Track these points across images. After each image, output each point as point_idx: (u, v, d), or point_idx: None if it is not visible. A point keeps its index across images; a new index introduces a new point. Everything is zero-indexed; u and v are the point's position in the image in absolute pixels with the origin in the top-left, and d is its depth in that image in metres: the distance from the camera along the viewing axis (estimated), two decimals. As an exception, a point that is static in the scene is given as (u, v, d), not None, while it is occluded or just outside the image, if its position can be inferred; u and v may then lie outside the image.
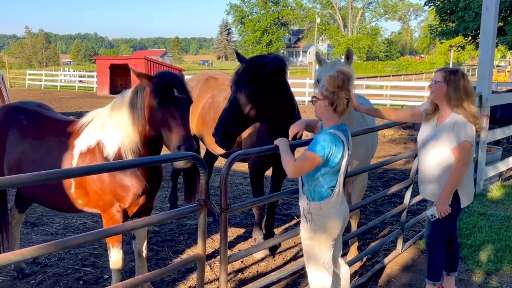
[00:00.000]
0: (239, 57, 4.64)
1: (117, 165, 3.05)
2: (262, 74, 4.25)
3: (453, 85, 3.74)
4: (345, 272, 3.71)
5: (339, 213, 3.40)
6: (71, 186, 3.80)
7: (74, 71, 45.39)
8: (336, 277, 3.67)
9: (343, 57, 4.39)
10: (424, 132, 4.04)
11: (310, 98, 24.49)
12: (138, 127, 3.57)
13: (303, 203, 3.46)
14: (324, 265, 3.45)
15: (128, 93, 3.66)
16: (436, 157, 3.87)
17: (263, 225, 5.60)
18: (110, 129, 3.69)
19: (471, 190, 4.03)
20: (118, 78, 32.74)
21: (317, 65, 4.81)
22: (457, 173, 3.73)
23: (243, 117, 4.29)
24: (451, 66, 42.00)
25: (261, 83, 4.26)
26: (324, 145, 3.17)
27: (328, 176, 3.29)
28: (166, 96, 3.35)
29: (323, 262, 3.44)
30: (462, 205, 3.93)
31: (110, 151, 3.67)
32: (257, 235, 5.50)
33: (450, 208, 3.80)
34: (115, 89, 32.03)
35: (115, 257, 3.85)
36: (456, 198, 3.87)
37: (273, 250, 5.49)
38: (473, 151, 3.84)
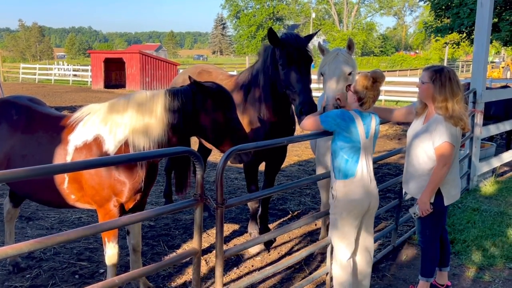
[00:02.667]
0: (274, 35, 4.61)
1: (117, 160, 3.06)
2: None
3: (438, 85, 3.74)
4: (368, 253, 3.98)
5: (363, 193, 3.67)
6: (64, 181, 3.76)
7: (68, 65, 45.11)
8: (363, 253, 3.95)
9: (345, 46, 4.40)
10: (411, 129, 4.07)
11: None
12: (169, 130, 3.60)
13: (331, 182, 3.79)
14: (344, 240, 3.74)
15: (158, 97, 3.60)
16: (418, 155, 3.90)
17: (258, 219, 5.63)
18: (116, 126, 3.64)
19: (455, 188, 4.03)
20: (113, 72, 32.59)
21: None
22: (438, 173, 3.75)
23: None
24: (445, 62, 42.12)
25: None
26: (330, 114, 3.70)
27: (348, 150, 3.62)
28: (233, 111, 3.76)
29: (343, 237, 3.73)
30: (445, 203, 3.94)
31: (110, 146, 3.64)
32: (253, 230, 5.52)
33: (431, 207, 3.84)
34: (109, 83, 31.90)
35: (111, 252, 3.85)
36: (439, 196, 3.89)
37: (268, 245, 5.51)
38: (456, 151, 3.88)
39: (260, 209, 5.68)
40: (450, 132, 3.71)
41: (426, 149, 3.82)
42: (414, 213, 3.94)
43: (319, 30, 5.14)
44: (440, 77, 3.74)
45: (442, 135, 3.70)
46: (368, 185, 3.70)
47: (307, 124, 3.91)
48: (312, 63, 4.69)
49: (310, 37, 4.79)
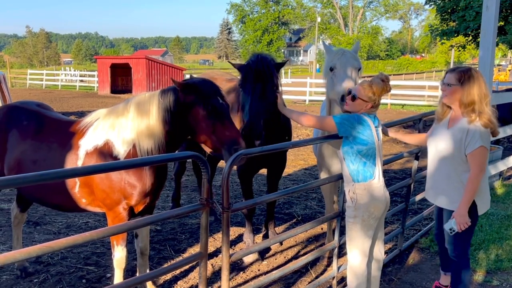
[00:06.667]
0: (236, 65, 4.65)
1: (125, 164, 3.08)
2: (275, 66, 4.48)
3: (467, 86, 3.52)
4: (380, 253, 4.00)
5: (381, 195, 3.70)
6: (75, 185, 3.81)
7: (75, 71, 45.38)
8: (375, 257, 3.96)
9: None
10: (435, 135, 3.85)
11: (311, 98, 24.14)
12: (165, 131, 3.62)
13: (348, 186, 3.74)
14: (363, 244, 3.74)
15: (153, 99, 3.64)
16: (449, 163, 3.67)
17: (262, 226, 5.58)
18: (123, 129, 3.69)
19: (487, 195, 3.81)
20: (119, 77, 32.75)
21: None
22: (474, 181, 3.51)
23: (270, 110, 4.38)
24: (452, 65, 41.95)
25: (276, 75, 4.48)
26: (344, 116, 3.68)
27: (365, 152, 3.62)
28: (215, 106, 3.54)
29: (363, 241, 3.73)
30: (480, 212, 3.71)
31: (120, 150, 3.69)
32: (247, 238, 5.44)
33: (469, 220, 3.55)
34: (116, 89, 32.06)
35: (119, 255, 3.88)
36: (473, 206, 3.63)
37: (263, 253, 5.43)
38: (488, 156, 3.65)
39: (266, 213, 5.67)
40: (483, 135, 3.51)
41: (457, 156, 3.60)
42: (451, 229, 3.59)
43: (287, 61, 4.81)
44: (469, 78, 3.53)
45: (477, 139, 3.48)
46: (383, 186, 3.74)
47: (313, 122, 3.97)
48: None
49: (279, 65, 4.60)
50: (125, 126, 3.69)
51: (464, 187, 3.59)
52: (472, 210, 3.63)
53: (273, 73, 4.39)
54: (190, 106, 3.57)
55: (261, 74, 4.32)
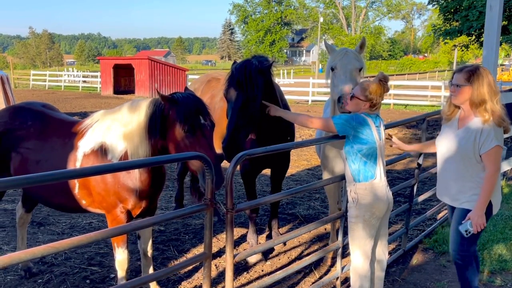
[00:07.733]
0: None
1: (123, 166, 3.07)
2: (260, 72, 4.31)
3: (477, 85, 3.45)
4: (383, 253, 3.98)
5: (383, 195, 3.69)
6: (75, 187, 3.83)
7: (78, 71, 45.49)
8: (378, 257, 3.96)
9: (357, 46, 4.33)
10: (444, 135, 3.77)
11: (313, 98, 24.05)
12: (152, 140, 3.60)
13: (350, 186, 3.76)
14: (366, 245, 3.73)
15: (143, 106, 3.61)
16: (462, 164, 3.59)
17: (266, 227, 5.58)
18: (116, 133, 3.70)
19: (499, 195, 3.73)
20: (122, 78, 32.77)
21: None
22: (491, 180, 3.44)
23: (253, 120, 4.29)
24: (455, 65, 41.86)
25: (262, 81, 4.31)
26: (342, 116, 3.69)
27: (366, 152, 3.62)
28: (193, 125, 3.44)
29: (365, 241, 3.72)
30: (494, 212, 3.65)
31: (114, 153, 3.70)
32: (251, 239, 5.44)
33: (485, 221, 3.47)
34: (118, 89, 32.10)
35: (121, 257, 3.89)
36: (489, 205, 3.56)
37: (267, 254, 5.44)
38: (501, 154, 3.59)
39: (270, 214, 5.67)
40: (497, 134, 3.45)
41: (470, 156, 3.52)
42: (467, 231, 3.48)
43: (274, 61, 4.60)
44: (477, 77, 3.46)
45: (492, 138, 3.42)
46: (386, 186, 3.72)
47: (317, 124, 3.99)
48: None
49: (265, 69, 4.41)
50: (119, 129, 3.71)
51: (479, 187, 3.53)
52: (488, 209, 3.57)
53: (255, 82, 4.23)
54: (172, 121, 3.53)
55: (242, 84, 4.23)
